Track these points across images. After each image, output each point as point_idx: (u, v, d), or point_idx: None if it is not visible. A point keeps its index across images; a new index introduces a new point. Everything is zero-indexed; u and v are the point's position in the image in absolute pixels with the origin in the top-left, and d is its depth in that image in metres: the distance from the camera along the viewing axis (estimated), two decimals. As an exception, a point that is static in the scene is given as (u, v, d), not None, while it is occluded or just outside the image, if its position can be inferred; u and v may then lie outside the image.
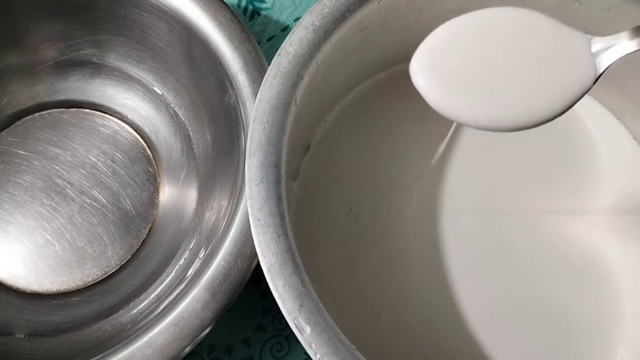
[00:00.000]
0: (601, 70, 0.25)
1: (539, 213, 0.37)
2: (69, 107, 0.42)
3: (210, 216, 0.36)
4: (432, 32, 0.26)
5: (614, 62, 0.25)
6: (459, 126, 0.38)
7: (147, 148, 0.41)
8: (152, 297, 0.35)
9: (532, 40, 0.25)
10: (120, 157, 0.41)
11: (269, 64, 0.30)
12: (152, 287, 0.36)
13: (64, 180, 0.40)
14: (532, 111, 0.25)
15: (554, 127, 0.34)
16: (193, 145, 0.40)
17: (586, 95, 0.39)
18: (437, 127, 0.38)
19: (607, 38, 0.25)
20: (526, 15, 0.26)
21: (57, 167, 0.40)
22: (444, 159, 0.37)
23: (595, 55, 0.25)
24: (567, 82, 0.25)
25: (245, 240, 0.31)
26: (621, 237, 0.36)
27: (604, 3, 0.33)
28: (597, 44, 0.25)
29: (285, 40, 0.31)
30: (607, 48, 0.25)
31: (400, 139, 0.38)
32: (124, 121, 0.42)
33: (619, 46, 0.24)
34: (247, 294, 0.38)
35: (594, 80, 0.25)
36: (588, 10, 0.33)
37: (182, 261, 0.36)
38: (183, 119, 0.41)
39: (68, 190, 0.40)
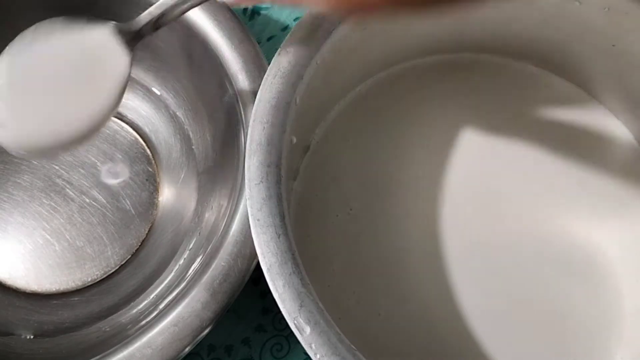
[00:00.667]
0: (131, 55, 0.25)
1: (539, 213, 0.37)
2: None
3: (210, 216, 0.36)
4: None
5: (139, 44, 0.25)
6: (460, 127, 0.38)
7: (146, 148, 0.41)
8: (151, 297, 0.35)
9: (64, 49, 0.25)
10: (120, 157, 0.41)
11: (269, 64, 0.30)
12: (152, 287, 0.36)
13: (63, 180, 0.40)
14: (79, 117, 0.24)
15: (555, 128, 0.34)
16: (193, 145, 0.40)
17: (586, 95, 0.39)
18: (438, 127, 0.38)
19: (126, 24, 0.26)
20: (49, 26, 0.26)
21: (57, 167, 0.40)
22: (445, 158, 0.37)
23: (123, 43, 0.26)
24: (108, 77, 0.25)
25: (245, 240, 0.31)
26: (621, 237, 0.36)
27: (604, 3, 0.33)
28: (119, 34, 0.26)
29: (285, 40, 0.31)
30: (132, 36, 0.26)
31: (400, 139, 0.38)
32: (123, 121, 0.41)
33: (140, 32, 0.26)
34: (247, 294, 0.38)
35: (129, 66, 0.25)
36: (588, 10, 0.33)
37: (182, 261, 0.36)
38: (183, 119, 0.41)
39: (67, 190, 0.40)
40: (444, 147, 0.38)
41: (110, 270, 0.38)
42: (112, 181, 0.38)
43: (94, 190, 0.40)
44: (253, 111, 0.29)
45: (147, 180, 0.40)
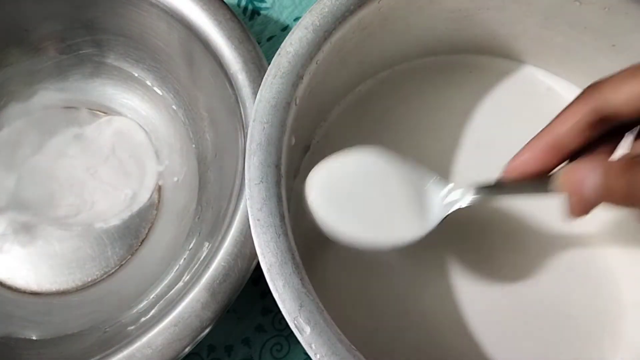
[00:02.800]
0: (444, 216, 0.30)
1: (539, 213, 0.37)
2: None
3: (210, 216, 0.36)
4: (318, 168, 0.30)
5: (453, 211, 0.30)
6: (460, 127, 0.38)
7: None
8: (151, 297, 0.35)
9: (392, 182, 0.30)
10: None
11: (269, 64, 0.30)
12: (152, 287, 0.36)
13: (63, 180, 0.40)
14: (389, 238, 0.30)
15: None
16: (193, 145, 0.40)
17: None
18: (438, 127, 0.38)
19: (453, 193, 0.30)
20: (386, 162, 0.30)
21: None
22: (445, 158, 0.37)
23: (445, 203, 0.30)
24: (421, 219, 0.30)
25: (245, 240, 0.31)
26: (621, 237, 0.36)
27: (604, 3, 0.33)
28: (446, 196, 0.30)
29: (285, 40, 0.31)
30: (453, 202, 0.30)
31: (400, 139, 0.38)
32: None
33: (460, 202, 0.30)
34: (247, 294, 0.38)
35: (439, 222, 0.30)
36: (588, 10, 0.33)
37: (182, 261, 0.36)
38: (183, 119, 0.41)
39: (68, 190, 0.40)
40: (443, 147, 0.38)
41: (110, 270, 0.38)
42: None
43: (94, 190, 0.40)
44: (253, 111, 0.29)
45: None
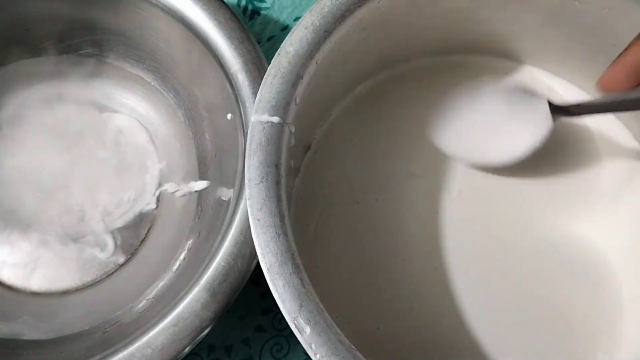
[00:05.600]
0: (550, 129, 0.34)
1: (539, 213, 0.37)
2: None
3: (210, 216, 0.36)
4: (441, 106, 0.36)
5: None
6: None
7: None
8: (151, 297, 0.35)
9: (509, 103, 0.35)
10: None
11: (269, 64, 0.30)
12: (152, 287, 0.36)
13: (63, 180, 0.40)
14: (504, 155, 0.35)
15: (555, 128, 0.34)
16: (193, 145, 0.40)
17: (586, 95, 0.39)
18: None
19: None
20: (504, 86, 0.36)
21: (57, 167, 0.40)
22: (445, 158, 0.37)
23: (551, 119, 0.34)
24: (529, 134, 0.34)
25: (245, 241, 0.31)
26: (621, 237, 0.36)
27: (604, 3, 0.33)
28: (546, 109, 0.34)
29: (285, 40, 0.31)
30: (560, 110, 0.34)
31: (400, 138, 0.38)
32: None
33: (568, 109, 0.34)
34: (247, 294, 0.38)
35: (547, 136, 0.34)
36: (588, 10, 0.33)
37: (182, 261, 0.36)
38: (183, 119, 0.41)
39: (68, 190, 0.40)
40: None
41: (110, 270, 0.38)
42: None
43: (94, 190, 0.40)
44: (253, 111, 0.29)
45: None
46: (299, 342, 0.26)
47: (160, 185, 0.40)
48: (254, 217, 0.27)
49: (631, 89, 0.29)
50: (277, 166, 0.28)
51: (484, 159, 0.36)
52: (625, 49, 0.29)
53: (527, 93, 0.35)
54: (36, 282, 0.38)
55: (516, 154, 0.35)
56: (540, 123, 0.34)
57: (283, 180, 0.29)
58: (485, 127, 0.36)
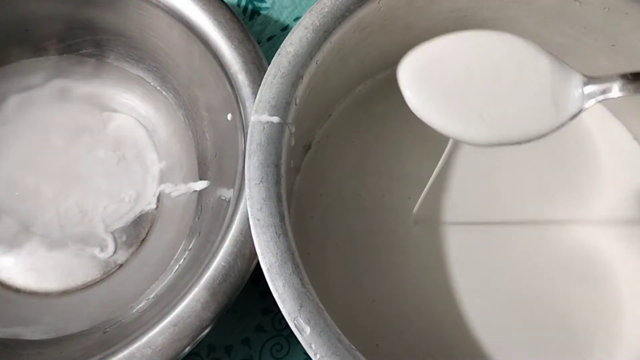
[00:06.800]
0: (580, 109, 0.26)
1: (539, 213, 0.37)
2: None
3: (210, 216, 0.36)
4: (425, 44, 0.27)
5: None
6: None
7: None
8: (152, 297, 0.35)
9: (527, 69, 0.26)
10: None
11: (269, 64, 0.30)
12: (152, 287, 0.36)
13: (63, 180, 0.40)
14: (513, 132, 0.27)
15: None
16: (193, 145, 0.40)
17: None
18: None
19: (599, 85, 0.26)
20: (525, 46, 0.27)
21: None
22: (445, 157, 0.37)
23: (585, 95, 0.26)
24: (552, 112, 0.27)
25: (245, 240, 0.31)
26: (621, 237, 0.36)
27: (604, 3, 0.33)
28: (590, 87, 0.26)
29: (285, 40, 0.31)
30: (595, 92, 0.26)
31: (401, 139, 0.38)
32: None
33: (609, 93, 0.26)
34: (247, 294, 0.38)
35: (574, 115, 0.27)
36: (588, 10, 0.33)
37: (182, 261, 0.36)
38: (183, 119, 0.41)
39: (68, 190, 0.40)
40: (443, 146, 0.38)
41: (110, 270, 0.38)
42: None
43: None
44: (253, 111, 0.29)
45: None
46: (299, 342, 0.26)
47: (160, 185, 0.40)
48: (254, 217, 0.27)
49: None
50: (277, 166, 0.28)
51: (490, 133, 0.28)
52: None
53: (557, 59, 0.27)
54: (36, 282, 0.38)
55: (536, 130, 0.27)
56: (572, 99, 0.26)
57: (283, 180, 0.29)
58: (492, 87, 0.27)
